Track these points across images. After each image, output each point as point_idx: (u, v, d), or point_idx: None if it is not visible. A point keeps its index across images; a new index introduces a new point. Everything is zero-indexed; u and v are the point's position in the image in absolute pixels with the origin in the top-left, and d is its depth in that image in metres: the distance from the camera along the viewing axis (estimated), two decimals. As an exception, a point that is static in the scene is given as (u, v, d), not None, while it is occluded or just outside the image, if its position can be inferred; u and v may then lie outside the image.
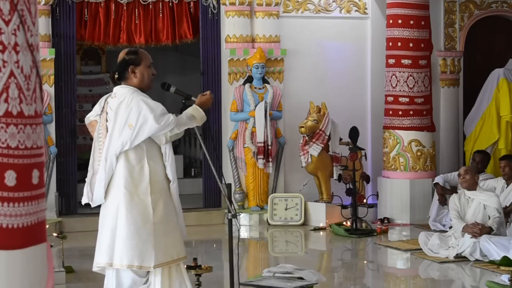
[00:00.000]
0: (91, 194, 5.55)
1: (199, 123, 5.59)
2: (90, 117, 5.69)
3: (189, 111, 5.57)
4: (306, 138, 11.30)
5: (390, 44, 11.47)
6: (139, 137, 5.39)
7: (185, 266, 6.03)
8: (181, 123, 5.48)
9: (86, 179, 5.62)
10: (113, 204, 5.44)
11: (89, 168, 5.60)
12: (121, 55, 5.64)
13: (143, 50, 5.71)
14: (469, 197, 9.09)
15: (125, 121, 5.41)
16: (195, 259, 6.40)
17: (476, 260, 8.69)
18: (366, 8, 12.41)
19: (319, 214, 11.22)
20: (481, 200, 8.99)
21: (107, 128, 5.51)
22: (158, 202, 5.41)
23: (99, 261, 5.49)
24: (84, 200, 5.64)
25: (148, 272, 5.47)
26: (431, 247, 9.04)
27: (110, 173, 5.45)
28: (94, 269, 5.60)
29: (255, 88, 11.59)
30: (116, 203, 5.43)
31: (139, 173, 5.42)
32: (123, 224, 5.38)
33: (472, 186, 9.09)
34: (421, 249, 9.21)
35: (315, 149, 11.25)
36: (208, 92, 5.71)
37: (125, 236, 5.36)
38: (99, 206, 5.60)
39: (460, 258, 8.77)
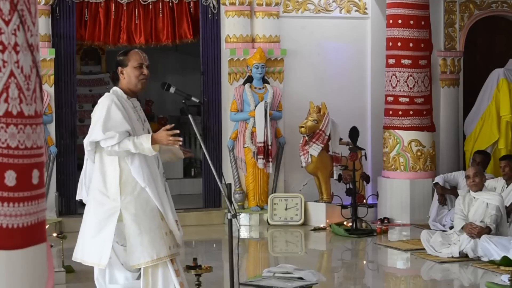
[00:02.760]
0: (81, 191, 5.70)
1: (147, 153, 5.39)
2: None
3: (142, 137, 5.41)
4: (306, 138, 11.30)
5: (390, 44, 11.47)
6: (90, 139, 5.46)
7: (185, 266, 6.05)
8: (124, 144, 5.36)
9: (80, 177, 5.73)
10: (87, 202, 5.60)
11: (84, 166, 5.70)
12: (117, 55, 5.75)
13: (135, 51, 5.71)
14: (474, 197, 9.11)
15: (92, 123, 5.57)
16: (195, 259, 6.40)
17: (477, 258, 8.70)
18: (366, 8, 12.40)
19: (319, 214, 11.22)
20: (485, 199, 9.01)
21: None
22: (129, 204, 5.43)
23: (76, 256, 5.66)
24: (77, 197, 5.80)
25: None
26: (433, 244, 9.05)
27: (91, 173, 5.57)
28: (73, 259, 5.74)
29: (255, 88, 11.58)
30: (88, 201, 5.58)
31: (111, 174, 5.47)
32: (88, 223, 5.53)
33: (481, 188, 9.11)
34: (421, 249, 9.22)
35: (315, 149, 11.25)
36: (167, 127, 5.45)
37: (89, 235, 5.50)
38: None
39: (461, 258, 8.78)
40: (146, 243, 5.43)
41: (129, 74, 5.59)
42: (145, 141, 5.35)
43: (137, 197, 5.45)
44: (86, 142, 5.49)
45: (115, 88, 5.63)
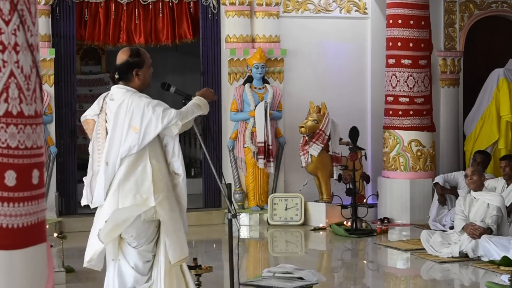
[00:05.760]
0: (90, 195, 5.51)
1: (204, 110, 5.64)
2: (87, 116, 5.63)
3: (193, 100, 5.64)
4: (306, 138, 11.30)
5: (390, 44, 11.47)
6: (146, 139, 5.39)
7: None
8: (186, 113, 5.50)
9: (86, 181, 5.58)
10: (110, 204, 5.41)
11: (89, 169, 5.55)
12: (122, 56, 5.56)
13: (143, 50, 5.67)
14: (474, 197, 9.12)
15: (128, 124, 5.39)
16: (195, 259, 6.41)
17: (477, 258, 8.70)
18: (366, 8, 12.40)
19: (319, 214, 11.22)
20: (486, 199, 9.02)
21: (106, 130, 5.49)
22: (163, 201, 5.39)
23: (96, 249, 5.47)
24: (83, 202, 5.61)
25: (150, 270, 5.47)
26: (433, 245, 9.05)
27: (112, 176, 5.42)
28: (85, 265, 5.57)
29: (255, 88, 11.59)
30: (115, 203, 5.39)
31: (142, 172, 5.39)
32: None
33: (479, 187, 9.12)
34: (421, 249, 9.22)
35: (315, 149, 11.25)
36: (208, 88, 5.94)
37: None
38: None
39: (461, 258, 8.78)
40: (181, 239, 5.45)
41: (145, 75, 5.56)
42: (198, 100, 5.65)
43: (167, 195, 5.44)
44: (136, 143, 5.37)
45: (130, 88, 5.53)
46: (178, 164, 5.51)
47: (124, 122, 5.41)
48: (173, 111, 5.44)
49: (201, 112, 5.61)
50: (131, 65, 5.53)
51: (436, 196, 10.80)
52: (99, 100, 5.61)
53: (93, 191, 5.50)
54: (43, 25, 10.83)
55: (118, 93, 5.50)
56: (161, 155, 5.50)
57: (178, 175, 5.52)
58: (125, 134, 5.40)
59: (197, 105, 5.60)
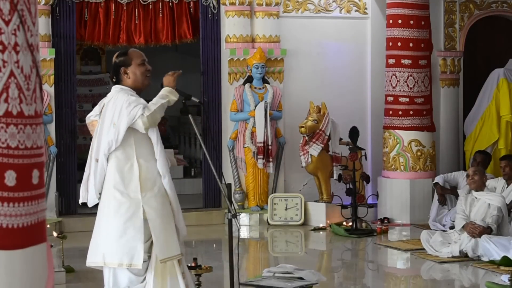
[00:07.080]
0: (86, 193, 5.58)
1: (172, 97, 5.55)
2: (90, 117, 5.72)
3: (160, 92, 5.58)
4: (306, 138, 11.30)
5: (390, 44, 11.47)
6: (120, 135, 5.42)
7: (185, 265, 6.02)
8: (150, 105, 5.45)
9: (83, 179, 5.64)
10: (103, 203, 5.48)
11: (86, 168, 5.61)
12: (113, 58, 5.69)
13: (133, 49, 5.72)
14: (475, 197, 9.12)
15: (111, 120, 5.45)
16: (195, 259, 6.41)
17: (477, 257, 8.70)
18: (366, 8, 12.41)
19: (319, 214, 11.22)
20: (487, 200, 9.03)
21: None
22: (151, 200, 5.41)
23: (96, 261, 5.51)
24: (80, 200, 5.69)
25: (146, 270, 5.46)
26: (433, 245, 9.05)
27: (102, 174, 5.48)
28: (88, 264, 5.60)
29: (255, 88, 11.59)
30: (106, 202, 5.46)
31: (129, 171, 5.42)
32: (111, 223, 5.41)
33: (480, 187, 9.12)
34: (421, 249, 9.22)
35: (315, 149, 11.25)
36: (170, 73, 5.70)
37: (114, 235, 5.39)
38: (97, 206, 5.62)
39: (461, 258, 8.78)
40: (169, 238, 5.42)
41: (134, 72, 5.57)
42: (164, 91, 5.55)
43: (157, 194, 5.44)
44: (113, 138, 5.39)
45: (122, 86, 5.58)
46: (159, 164, 5.48)
47: (108, 119, 5.48)
48: (140, 106, 5.41)
49: (166, 101, 5.52)
50: (117, 65, 5.62)
51: (436, 196, 10.80)
52: (101, 102, 5.71)
53: (88, 189, 5.56)
54: (43, 25, 10.84)
55: (111, 92, 5.61)
56: (151, 155, 5.51)
57: (162, 176, 5.49)
58: (107, 130, 5.46)
59: (163, 95, 5.53)
